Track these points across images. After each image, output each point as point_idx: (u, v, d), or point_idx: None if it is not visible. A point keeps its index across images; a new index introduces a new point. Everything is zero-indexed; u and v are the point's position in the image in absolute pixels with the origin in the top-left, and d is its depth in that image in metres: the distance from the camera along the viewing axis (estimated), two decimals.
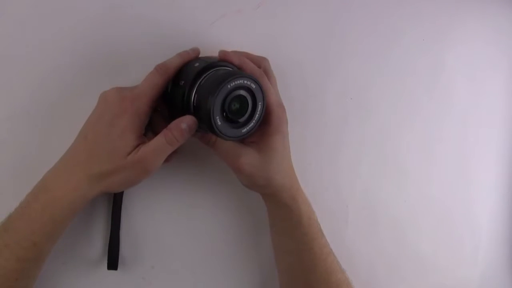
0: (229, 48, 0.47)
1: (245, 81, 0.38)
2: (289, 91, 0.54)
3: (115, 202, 0.46)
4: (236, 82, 0.38)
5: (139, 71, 0.42)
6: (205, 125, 0.39)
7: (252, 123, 0.40)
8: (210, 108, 0.37)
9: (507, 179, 0.82)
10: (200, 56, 0.44)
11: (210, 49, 0.47)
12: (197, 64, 0.41)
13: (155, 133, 0.40)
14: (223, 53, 0.43)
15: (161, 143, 0.39)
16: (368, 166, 0.63)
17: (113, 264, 0.46)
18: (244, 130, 0.40)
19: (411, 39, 0.65)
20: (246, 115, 0.40)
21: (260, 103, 0.40)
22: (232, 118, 0.39)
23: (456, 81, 0.71)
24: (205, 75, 0.40)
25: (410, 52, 0.66)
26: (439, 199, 0.72)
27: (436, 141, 0.70)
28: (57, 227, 0.39)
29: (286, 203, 0.46)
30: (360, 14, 0.61)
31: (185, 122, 0.39)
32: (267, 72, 0.45)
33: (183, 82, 0.40)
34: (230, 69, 0.42)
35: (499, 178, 0.81)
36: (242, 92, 0.39)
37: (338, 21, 0.59)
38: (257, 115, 0.41)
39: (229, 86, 0.37)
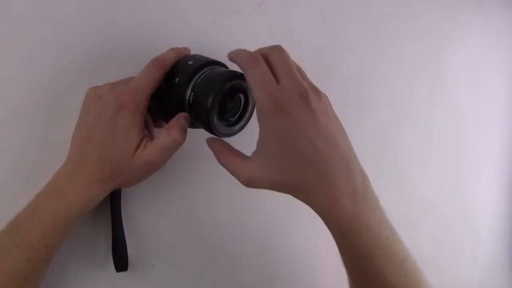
0: (228, 47, 0.46)
1: (241, 81, 0.39)
2: None
3: (113, 203, 0.45)
4: (232, 82, 0.39)
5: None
6: (201, 123, 0.40)
7: (243, 121, 0.42)
8: (209, 107, 0.38)
9: (507, 179, 0.82)
10: (191, 54, 0.44)
11: (210, 48, 0.46)
12: (190, 62, 0.41)
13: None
14: (231, 55, 0.39)
15: (168, 143, 0.39)
16: (368, 166, 0.63)
17: (122, 266, 0.45)
18: (236, 127, 0.42)
19: (411, 39, 0.65)
20: (238, 114, 0.42)
21: (251, 102, 0.42)
22: (226, 117, 0.40)
23: (456, 81, 0.71)
24: (200, 73, 0.40)
25: (410, 52, 0.66)
26: (439, 200, 0.72)
27: (436, 141, 0.70)
28: (68, 229, 0.39)
29: (320, 214, 0.38)
30: (360, 15, 0.61)
31: (182, 118, 0.40)
32: (276, 61, 0.37)
33: (178, 79, 0.40)
34: (224, 68, 0.43)
35: (499, 178, 0.81)
36: (238, 92, 0.40)
37: (338, 21, 0.59)
38: (247, 113, 0.42)
39: (226, 86, 0.38)
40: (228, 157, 0.39)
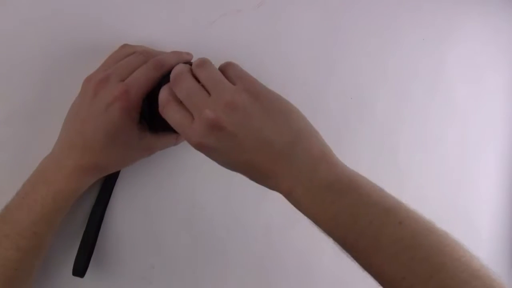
0: (228, 47, 0.46)
1: None
2: (288, 91, 0.54)
3: (99, 200, 0.45)
4: None
5: None
6: None
7: None
8: None
9: (507, 179, 0.82)
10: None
11: (210, 48, 0.47)
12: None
13: None
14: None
15: (170, 142, 0.45)
16: (368, 166, 0.63)
17: (80, 270, 0.43)
18: None
19: (411, 39, 0.65)
20: None
21: None
22: None
23: (456, 81, 0.71)
24: None
25: (410, 52, 0.66)
26: (439, 199, 0.72)
27: (436, 141, 0.70)
28: (59, 216, 0.39)
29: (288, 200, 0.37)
30: (360, 14, 0.61)
31: None
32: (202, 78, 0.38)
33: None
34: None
35: (499, 178, 0.81)
36: None
37: (338, 21, 0.59)
38: None
39: None
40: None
